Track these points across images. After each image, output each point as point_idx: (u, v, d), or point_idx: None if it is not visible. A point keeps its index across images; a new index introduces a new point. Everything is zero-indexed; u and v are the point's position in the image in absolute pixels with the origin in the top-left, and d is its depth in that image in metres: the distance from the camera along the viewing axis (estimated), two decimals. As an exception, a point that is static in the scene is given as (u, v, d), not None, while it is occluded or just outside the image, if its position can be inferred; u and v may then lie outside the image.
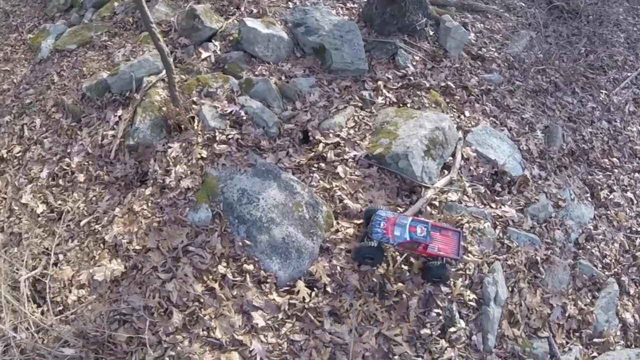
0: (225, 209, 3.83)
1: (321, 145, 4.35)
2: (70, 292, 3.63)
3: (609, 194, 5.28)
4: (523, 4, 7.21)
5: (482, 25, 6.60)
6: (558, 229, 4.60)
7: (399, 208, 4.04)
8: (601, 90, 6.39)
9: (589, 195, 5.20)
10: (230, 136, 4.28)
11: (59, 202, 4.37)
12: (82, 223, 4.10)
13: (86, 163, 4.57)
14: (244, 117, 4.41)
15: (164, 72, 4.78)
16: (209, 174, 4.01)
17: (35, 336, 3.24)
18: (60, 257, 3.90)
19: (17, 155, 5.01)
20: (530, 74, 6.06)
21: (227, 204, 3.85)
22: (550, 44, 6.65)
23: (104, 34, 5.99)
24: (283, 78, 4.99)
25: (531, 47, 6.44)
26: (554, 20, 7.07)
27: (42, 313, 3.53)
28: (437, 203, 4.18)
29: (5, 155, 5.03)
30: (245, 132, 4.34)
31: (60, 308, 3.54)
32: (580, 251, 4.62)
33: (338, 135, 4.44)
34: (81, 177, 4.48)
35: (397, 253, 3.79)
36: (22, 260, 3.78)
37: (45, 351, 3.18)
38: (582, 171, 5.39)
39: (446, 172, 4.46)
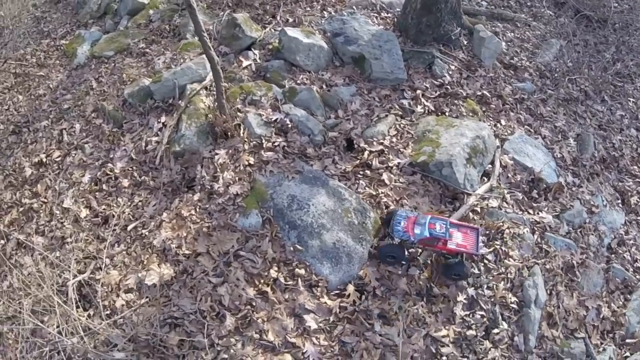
0: (275, 215, 3.91)
1: (366, 153, 4.44)
2: (117, 296, 3.66)
3: (638, 200, 5.36)
4: (551, 13, 7.27)
5: (512, 34, 6.69)
6: (592, 234, 4.71)
7: (443, 214, 4.12)
8: (629, 99, 6.46)
9: (619, 201, 5.29)
10: (276, 143, 4.36)
11: (103, 206, 4.39)
12: (129, 228, 4.13)
13: (130, 168, 4.61)
14: (289, 125, 4.49)
15: (208, 79, 4.88)
16: (257, 180, 4.08)
17: (84, 340, 3.25)
18: (107, 261, 3.91)
19: (57, 159, 5.02)
20: (563, 83, 6.13)
21: (277, 209, 3.93)
22: (578, 52, 6.72)
23: (142, 41, 6.07)
24: (324, 87, 5.07)
25: (561, 56, 6.51)
26: (582, 29, 7.12)
27: (89, 317, 3.54)
28: (478, 209, 4.27)
29: (44, 160, 5.05)
30: (290, 140, 4.42)
31: (108, 312, 3.57)
32: (612, 255, 4.72)
33: (381, 143, 4.53)
34: (125, 182, 4.51)
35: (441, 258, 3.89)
36: (68, 265, 3.80)
37: (94, 354, 3.21)
38: (613, 178, 5.47)
39: (486, 179, 4.56)
